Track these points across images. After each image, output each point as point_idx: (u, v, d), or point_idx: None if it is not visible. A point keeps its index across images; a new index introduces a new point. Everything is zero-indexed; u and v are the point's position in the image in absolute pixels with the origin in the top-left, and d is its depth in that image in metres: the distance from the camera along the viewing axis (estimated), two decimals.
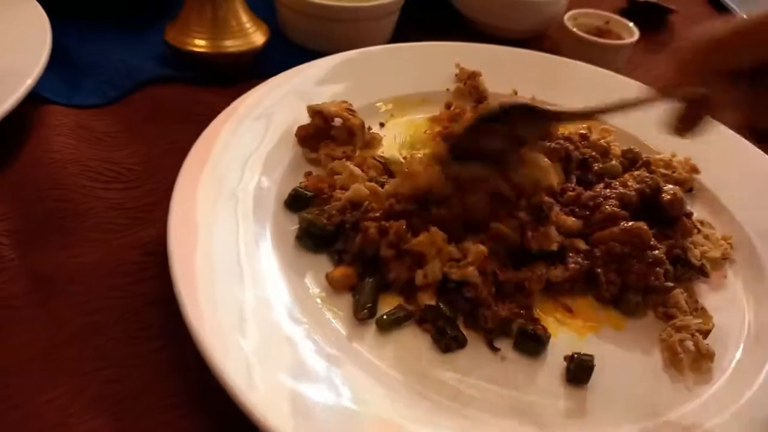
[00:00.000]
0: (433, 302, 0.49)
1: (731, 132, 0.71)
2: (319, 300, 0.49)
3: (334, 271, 0.50)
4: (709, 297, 0.55)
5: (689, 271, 0.55)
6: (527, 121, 0.53)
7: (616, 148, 0.66)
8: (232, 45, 0.72)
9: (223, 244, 0.49)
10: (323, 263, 0.52)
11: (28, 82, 0.60)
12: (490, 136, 0.52)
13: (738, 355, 0.50)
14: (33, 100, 0.64)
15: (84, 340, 0.46)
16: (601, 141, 0.66)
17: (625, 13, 0.99)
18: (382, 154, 0.63)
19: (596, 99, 0.73)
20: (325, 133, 0.62)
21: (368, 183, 0.54)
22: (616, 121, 0.70)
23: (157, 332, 0.47)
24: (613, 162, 0.64)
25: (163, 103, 0.69)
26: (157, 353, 0.46)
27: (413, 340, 0.48)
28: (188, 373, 0.44)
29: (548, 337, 0.49)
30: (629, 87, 0.78)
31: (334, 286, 0.49)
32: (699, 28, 0.45)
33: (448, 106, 0.71)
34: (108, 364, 0.44)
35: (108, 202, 0.57)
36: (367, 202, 0.53)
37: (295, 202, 0.55)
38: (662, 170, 0.65)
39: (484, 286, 0.48)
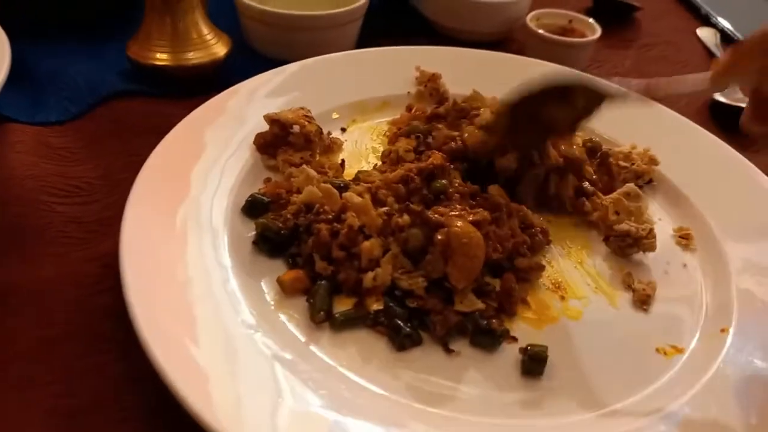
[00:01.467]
0: (380, 306, 0.49)
1: (691, 122, 0.71)
2: (273, 304, 0.49)
3: (284, 274, 0.50)
4: (668, 287, 0.55)
5: None
6: (584, 95, 0.54)
7: (578, 138, 0.67)
8: (194, 57, 0.73)
9: (177, 253, 0.49)
10: (280, 268, 0.52)
11: None
12: (549, 107, 0.54)
13: (694, 342, 0.51)
14: None
15: (36, 356, 0.45)
16: None
17: (591, 12, 1.00)
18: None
19: None
20: (283, 140, 0.62)
21: (322, 185, 0.54)
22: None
23: (111, 345, 0.47)
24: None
25: (125, 117, 0.69)
26: (110, 366, 0.45)
27: (370, 340, 0.48)
28: (142, 385, 0.44)
29: (505, 331, 0.49)
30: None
31: (286, 290, 0.49)
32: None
33: (409, 108, 0.71)
34: (59, 377, 0.44)
35: (66, 216, 0.57)
36: (318, 205, 0.53)
37: (252, 208, 0.56)
38: (621, 162, 0.66)
39: (431, 297, 0.48)
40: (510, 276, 0.51)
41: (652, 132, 0.69)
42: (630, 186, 0.60)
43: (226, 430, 0.38)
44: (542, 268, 0.54)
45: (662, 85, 0.53)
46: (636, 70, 0.92)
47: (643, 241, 0.56)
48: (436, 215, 0.50)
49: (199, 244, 0.51)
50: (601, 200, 0.59)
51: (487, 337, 0.48)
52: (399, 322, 0.47)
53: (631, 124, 0.69)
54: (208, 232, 0.52)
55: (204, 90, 0.71)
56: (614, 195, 0.59)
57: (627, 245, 0.56)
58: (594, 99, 0.53)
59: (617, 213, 0.58)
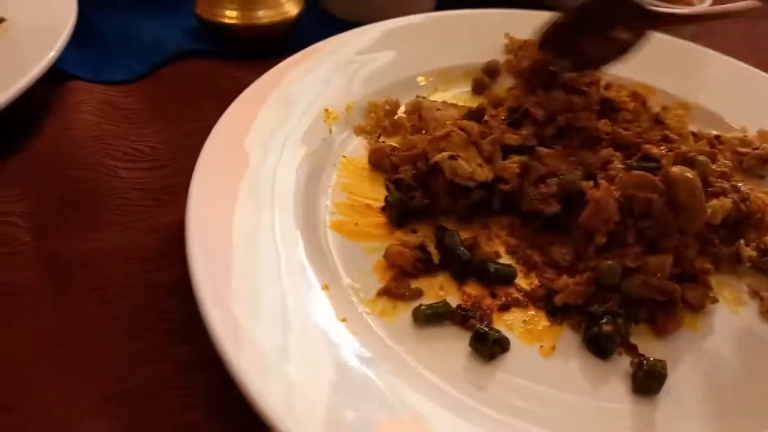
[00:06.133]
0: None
1: None
2: (350, 291, 0.44)
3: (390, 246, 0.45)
4: None
5: None
6: (623, 17, 0.49)
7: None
8: (264, 15, 0.68)
9: (246, 231, 0.44)
10: (356, 251, 0.47)
11: (51, 55, 0.57)
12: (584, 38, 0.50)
13: None
14: (58, 76, 0.61)
15: (93, 333, 0.42)
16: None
17: None
18: None
19: (664, 70, 0.67)
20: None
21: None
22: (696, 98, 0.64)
23: (174, 325, 0.43)
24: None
25: (191, 78, 0.65)
26: (172, 348, 0.42)
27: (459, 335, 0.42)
28: (206, 371, 0.40)
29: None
30: (703, 57, 0.70)
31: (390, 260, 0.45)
32: None
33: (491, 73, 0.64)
34: (118, 359, 0.41)
35: (130, 182, 0.53)
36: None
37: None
38: (739, 148, 0.57)
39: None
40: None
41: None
42: None
43: (286, 425, 0.33)
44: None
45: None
46: (746, 45, 0.82)
47: None
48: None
49: (271, 219, 0.46)
50: (742, 188, 0.49)
51: (611, 342, 0.41)
52: (483, 328, 0.41)
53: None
54: (278, 209, 0.47)
55: (274, 52, 0.67)
56: None
57: None
58: (636, 24, 0.48)
59: None
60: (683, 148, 0.42)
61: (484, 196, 0.47)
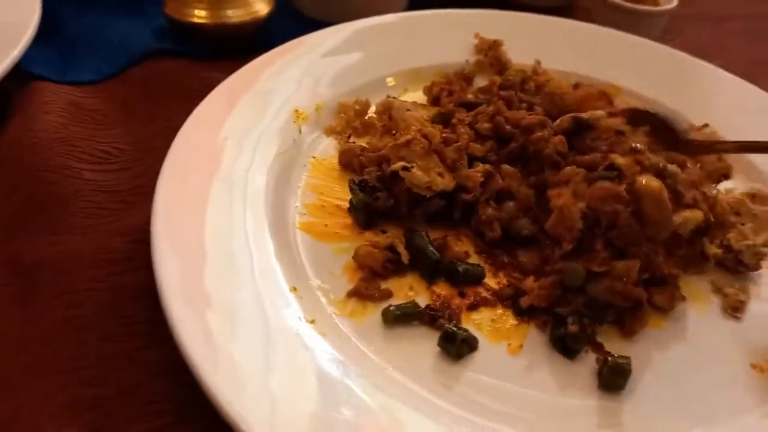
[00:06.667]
0: None
1: None
2: (320, 292, 0.44)
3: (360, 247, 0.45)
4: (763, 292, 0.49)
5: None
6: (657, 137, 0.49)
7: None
8: (233, 15, 0.67)
9: (214, 232, 0.44)
10: (326, 252, 0.47)
11: (14, 54, 0.56)
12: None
13: None
14: (21, 76, 0.60)
15: (59, 338, 0.41)
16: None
17: None
18: None
19: (632, 70, 0.68)
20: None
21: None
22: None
23: (142, 329, 0.42)
24: None
25: (159, 79, 0.64)
26: (139, 352, 0.41)
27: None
28: (174, 375, 0.40)
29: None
30: (669, 57, 0.72)
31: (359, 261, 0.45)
32: None
33: (466, 78, 0.65)
34: (85, 364, 0.40)
35: (95, 184, 0.52)
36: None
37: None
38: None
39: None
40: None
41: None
42: (755, 187, 0.53)
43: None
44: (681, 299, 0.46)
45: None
46: (713, 45, 0.84)
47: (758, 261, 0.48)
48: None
49: (239, 221, 0.46)
50: (710, 194, 0.50)
51: (577, 341, 0.42)
52: (451, 327, 0.41)
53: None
54: (247, 209, 0.47)
55: (244, 51, 0.66)
56: (736, 194, 0.52)
57: (737, 261, 0.48)
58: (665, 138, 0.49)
59: (737, 214, 0.50)
60: (653, 158, 0.43)
61: (442, 206, 0.47)
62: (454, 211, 0.47)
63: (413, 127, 0.49)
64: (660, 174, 0.43)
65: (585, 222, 0.41)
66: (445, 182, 0.46)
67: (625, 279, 0.40)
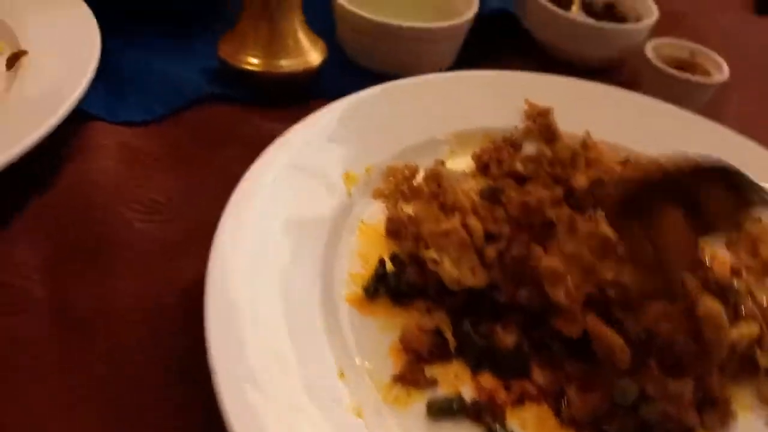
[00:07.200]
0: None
1: None
2: (366, 374, 0.44)
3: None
4: None
5: None
6: (722, 198, 0.41)
7: None
8: (286, 65, 0.68)
9: (267, 302, 0.44)
10: (372, 328, 0.47)
11: (75, 95, 0.56)
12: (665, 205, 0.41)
13: None
14: (78, 116, 0.61)
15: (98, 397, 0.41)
16: None
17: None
18: None
19: (680, 144, 0.68)
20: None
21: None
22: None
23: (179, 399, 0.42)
24: None
25: (211, 123, 0.65)
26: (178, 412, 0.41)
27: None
28: None
29: None
30: (715, 132, 0.71)
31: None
32: None
33: (514, 145, 0.65)
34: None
35: (145, 234, 0.53)
36: None
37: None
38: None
39: None
40: None
41: None
42: None
43: None
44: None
45: None
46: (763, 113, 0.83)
47: None
48: None
49: (293, 291, 0.46)
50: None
51: None
52: (496, 426, 0.41)
53: None
54: (299, 276, 0.47)
55: (295, 99, 0.67)
56: None
57: None
58: (736, 205, 0.41)
59: None
60: (717, 274, 0.41)
61: (470, 302, 0.47)
62: (482, 310, 0.47)
63: (456, 216, 0.48)
64: (722, 292, 0.42)
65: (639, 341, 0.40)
66: (475, 281, 0.46)
67: (678, 401, 0.40)
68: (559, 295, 0.42)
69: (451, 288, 0.46)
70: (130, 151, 0.60)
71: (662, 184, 0.43)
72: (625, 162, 0.62)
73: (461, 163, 0.63)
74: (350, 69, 0.75)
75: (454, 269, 0.46)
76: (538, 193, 0.52)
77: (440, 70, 0.74)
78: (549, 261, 0.43)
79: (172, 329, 0.46)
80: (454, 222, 0.47)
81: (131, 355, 0.45)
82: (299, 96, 0.68)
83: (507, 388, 0.44)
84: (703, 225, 0.42)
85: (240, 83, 0.68)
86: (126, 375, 0.43)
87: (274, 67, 0.67)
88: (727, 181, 0.42)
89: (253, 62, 0.67)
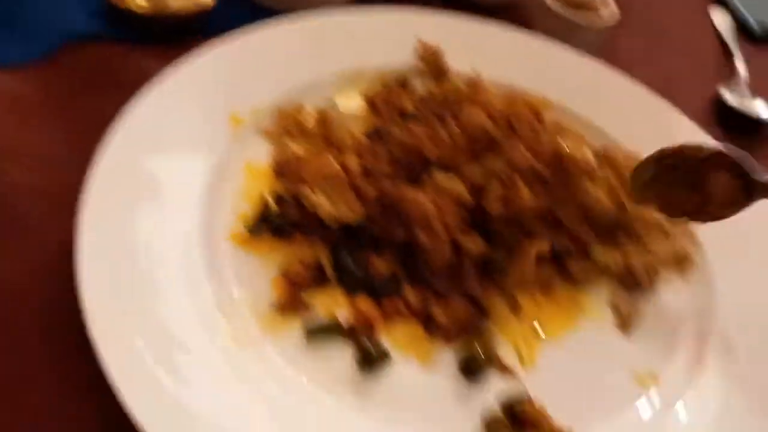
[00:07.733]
0: None
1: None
2: (245, 306, 0.46)
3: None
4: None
5: None
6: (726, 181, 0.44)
7: None
8: (176, 5, 0.66)
9: (142, 243, 0.45)
10: (254, 264, 0.49)
11: None
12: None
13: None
14: None
15: None
16: None
17: None
18: None
19: (568, 86, 0.71)
20: None
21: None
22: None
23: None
24: None
25: (94, 66, 0.63)
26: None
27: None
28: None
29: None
30: (609, 78, 0.74)
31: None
32: None
33: (401, 83, 0.66)
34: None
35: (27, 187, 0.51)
36: None
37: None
38: None
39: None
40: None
41: None
42: None
43: None
44: None
45: None
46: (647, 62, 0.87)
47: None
48: None
49: (171, 230, 0.47)
50: None
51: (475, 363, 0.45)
52: (368, 344, 0.44)
53: None
54: (179, 214, 0.48)
55: (186, 39, 0.66)
56: None
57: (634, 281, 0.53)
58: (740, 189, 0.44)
59: None
60: None
61: (348, 235, 0.49)
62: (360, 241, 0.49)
63: (333, 160, 0.50)
64: None
65: None
66: (352, 217, 0.48)
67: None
68: (427, 238, 0.45)
69: (329, 225, 0.48)
70: (9, 99, 0.58)
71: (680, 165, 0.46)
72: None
73: (354, 102, 0.64)
74: (250, 8, 0.73)
75: (332, 208, 0.48)
76: (418, 131, 0.54)
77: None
78: (419, 202, 0.46)
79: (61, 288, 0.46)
80: (331, 160, 0.49)
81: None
82: (191, 34, 0.66)
83: (380, 307, 0.47)
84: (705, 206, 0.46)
85: (126, 23, 0.66)
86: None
87: (163, 7, 0.65)
88: (735, 170, 0.45)
89: (140, 3, 0.65)
